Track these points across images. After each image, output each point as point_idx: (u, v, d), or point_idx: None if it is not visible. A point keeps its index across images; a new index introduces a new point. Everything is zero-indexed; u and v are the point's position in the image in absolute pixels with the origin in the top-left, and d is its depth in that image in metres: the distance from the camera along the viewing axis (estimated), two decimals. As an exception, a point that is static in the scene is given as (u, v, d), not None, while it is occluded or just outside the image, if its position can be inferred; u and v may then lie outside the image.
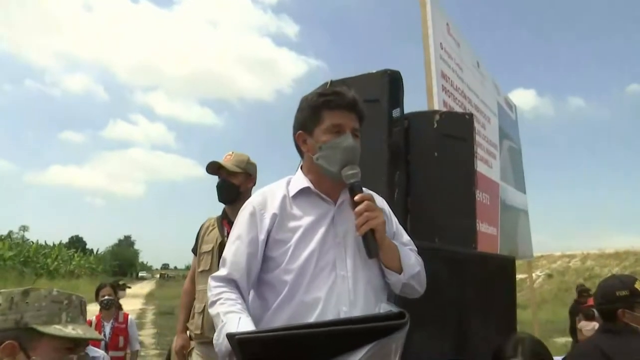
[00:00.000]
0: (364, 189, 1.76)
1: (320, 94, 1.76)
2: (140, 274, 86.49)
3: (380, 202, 1.85)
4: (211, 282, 1.70)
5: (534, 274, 24.17)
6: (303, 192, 1.73)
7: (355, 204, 1.64)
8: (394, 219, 1.87)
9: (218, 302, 1.61)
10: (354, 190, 1.67)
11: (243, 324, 1.49)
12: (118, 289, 8.28)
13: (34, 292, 1.48)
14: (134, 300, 28.81)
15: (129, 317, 5.19)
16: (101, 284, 5.34)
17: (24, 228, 58.90)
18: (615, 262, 25.36)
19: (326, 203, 1.73)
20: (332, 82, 2.33)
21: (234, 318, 1.52)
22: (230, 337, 0.85)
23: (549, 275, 26.02)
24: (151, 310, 21.49)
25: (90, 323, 4.80)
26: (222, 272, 1.70)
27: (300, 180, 1.77)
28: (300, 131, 1.78)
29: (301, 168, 1.83)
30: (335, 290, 1.60)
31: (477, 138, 5.48)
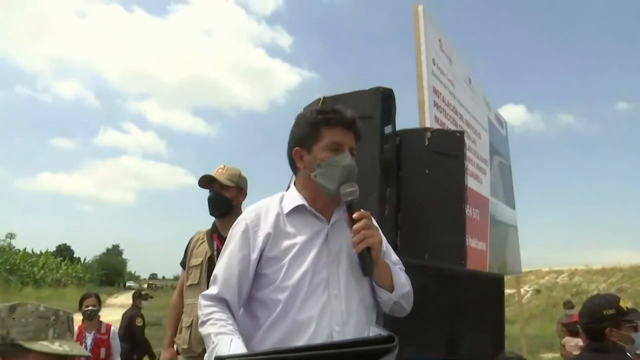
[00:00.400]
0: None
1: (320, 111, 1.76)
2: (127, 284, 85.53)
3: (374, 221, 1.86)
4: (202, 301, 1.68)
5: (522, 289, 24.25)
6: (297, 210, 1.72)
7: (353, 222, 1.65)
8: (383, 238, 1.86)
9: (209, 322, 1.59)
10: (352, 208, 1.67)
11: (235, 346, 1.47)
12: (141, 299, 8.40)
13: (20, 308, 1.47)
14: (121, 310, 28.47)
15: (112, 328, 5.06)
16: (86, 294, 5.23)
17: (11, 235, 58.19)
18: (602, 278, 25.50)
19: (320, 221, 1.72)
20: (324, 98, 2.35)
21: (225, 340, 1.51)
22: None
23: (537, 291, 26.11)
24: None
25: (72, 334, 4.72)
26: (213, 290, 1.68)
27: (294, 198, 1.75)
28: (297, 147, 1.77)
29: (294, 184, 1.82)
30: (328, 309, 1.59)
31: (468, 154, 5.51)
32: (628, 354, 2.37)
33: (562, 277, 27.61)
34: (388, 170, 2.34)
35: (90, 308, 4.84)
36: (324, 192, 1.71)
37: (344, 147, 1.72)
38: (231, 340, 1.50)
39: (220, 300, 1.65)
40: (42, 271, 39.59)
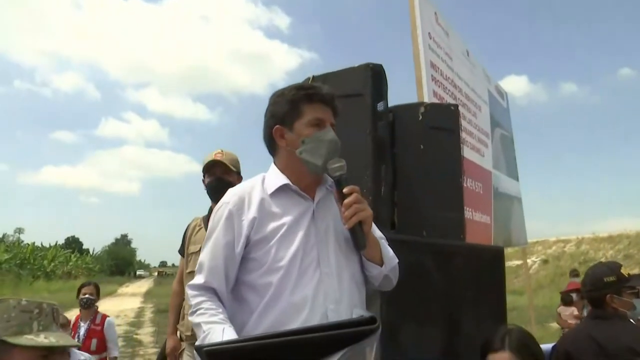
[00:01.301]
0: None
1: (299, 87, 1.74)
2: (138, 273, 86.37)
3: None
4: (189, 291, 1.66)
5: (529, 260, 24.30)
6: (281, 190, 1.69)
7: (343, 197, 1.63)
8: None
9: (198, 312, 1.58)
10: (341, 183, 1.65)
11: (227, 334, 1.46)
12: None
13: (2, 304, 1.47)
14: (132, 298, 28.83)
15: (108, 319, 4.90)
16: (85, 282, 5.16)
17: (19, 230, 58.83)
18: (609, 245, 25.50)
19: (305, 200, 1.70)
20: (313, 77, 2.31)
21: (217, 329, 1.49)
22: (198, 349, 0.83)
23: (545, 261, 26.15)
24: (149, 308, 21.50)
25: (69, 323, 4.62)
26: (199, 279, 1.65)
27: (277, 177, 1.72)
28: (277, 125, 1.73)
29: (275, 164, 1.78)
30: (322, 288, 1.58)
31: (469, 127, 5.48)
32: (631, 320, 2.38)
33: (570, 246, 27.64)
34: (382, 147, 2.31)
35: (87, 296, 4.75)
36: (309, 169, 1.69)
37: (325, 122, 1.70)
38: (223, 329, 1.48)
39: (207, 289, 1.62)
40: (52, 264, 39.95)
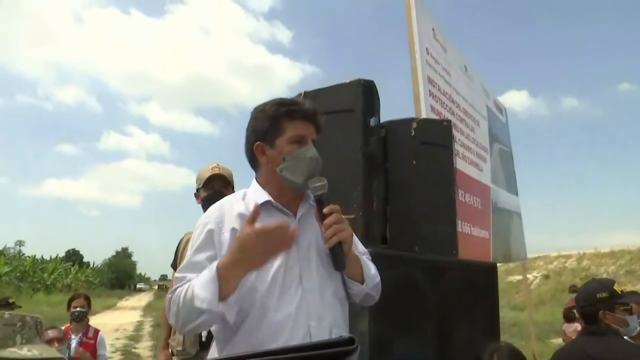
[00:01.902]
0: None
1: (280, 103, 1.72)
2: (138, 286, 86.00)
3: None
4: (168, 295, 1.60)
5: (531, 275, 24.19)
6: (263, 206, 1.65)
7: (323, 216, 1.62)
8: (356, 240, 1.84)
9: (177, 291, 1.54)
10: (322, 202, 1.64)
11: (205, 274, 1.48)
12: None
13: None
14: (132, 312, 28.67)
15: (100, 333, 4.77)
16: (74, 294, 5.05)
17: (20, 243, 58.76)
18: (610, 260, 25.36)
19: (287, 216, 1.68)
20: (305, 92, 2.33)
21: (194, 281, 1.50)
22: None
23: (546, 276, 26.01)
24: (149, 322, 21.39)
25: (66, 337, 4.56)
26: (181, 274, 1.60)
27: (258, 193, 1.70)
28: (258, 142, 1.72)
29: (256, 180, 1.77)
30: (304, 305, 1.57)
31: (467, 142, 5.50)
32: (624, 336, 2.37)
33: (571, 261, 27.50)
34: (373, 162, 2.32)
35: (78, 309, 4.62)
36: (290, 186, 1.68)
37: (307, 139, 1.69)
38: (200, 276, 1.49)
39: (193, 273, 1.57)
40: (53, 277, 39.82)
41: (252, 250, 1.45)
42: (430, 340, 2.14)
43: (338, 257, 1.61)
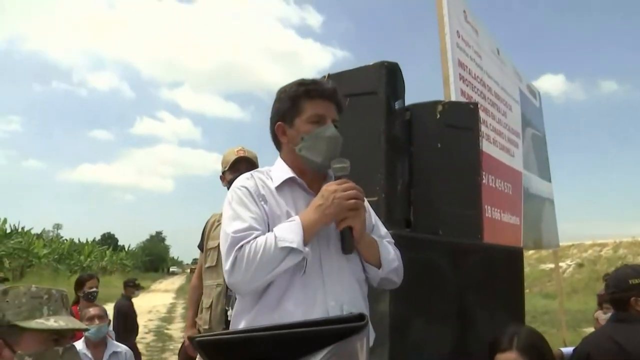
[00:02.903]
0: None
1: (300, 83, 1.71)
2: (171, 269, 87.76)
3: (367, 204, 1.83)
4: (229, 239, 1.55)
5: (564, 264, 23.75)
6: (287, 183, 1.68)
7: None
8: (372, 211, 1.84)
9: (248, 245, 1.52)
10: None
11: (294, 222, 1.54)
12: (134, 288, 8.10)
13: (12, 291, 1.53)
14: (165, 295, 29.33)
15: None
16: (86, 275, 5.17)
17: (58, 226, 60.51)
18: (648, 249, 24.73)
19: (309, 195, 1.68)
20: (329, 75, 2.32)
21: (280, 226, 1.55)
22: (190, 339, 0.86)
23: (580, 265, 25.48)
24: (181, 304, 21.85)
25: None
26: (240, 224, 1.57)
27: (282, 171, 1.71)
28: (279, 122, 1.73)
29: (281, 158, 1.77)
30: (323, 286, 1.57)
31: (498, 127, 5.41)
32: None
33: (606, 249, 26.87)
34: (396, 145, 2.29)
35: (94, 289, 4.81)
36: (309, 166, 1.68)
37: (326, 118, 1.67)
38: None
39: (254, 230, 1.56)
40: (89, 259, 40.95)
41: (332, 205, 1.54)
42: (451, 322, 2.14)
43: (345, 240, 1.59)
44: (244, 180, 1.71)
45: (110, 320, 4.49)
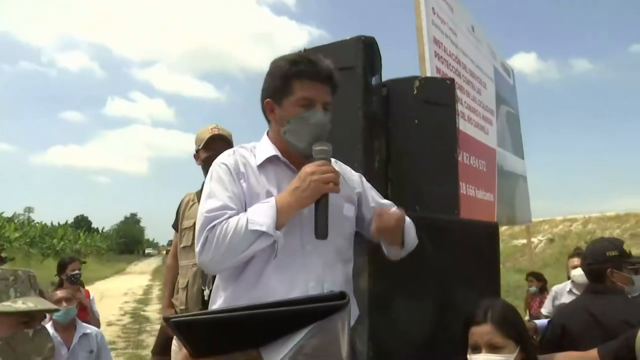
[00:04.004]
0: (339, 163, 1.75)
1: (293, 61, 1.64)
2: (146, 251, 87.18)
3: (357, 177, 1.82)
4: (202, 218, 1.55)
5: (536, 239, 24.24)
6: (270, 161, 1.66)
7: None
8: (372, 193, 1.82)
9: (220, 225, 1.50)
10: None
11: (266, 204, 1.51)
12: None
13: None
14: (141, 276, 29.14)
15: (90, 293, 5.07)
16: (68, 258, 5.19)
17: (29, 209, 59.36)
18: (616, 224, 25.35)
19: (293, 173, 1.63)
20: (305, 50, 2.27)
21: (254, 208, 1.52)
22: (166, 319, 0.84)
23: (551, 240, 26.06)
24: (157, 286, 21.73)
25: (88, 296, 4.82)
26: (214, 203, 1.56)
27: (267, 148, 1.68)
28: (268, 99, 1.68)
29: (267, 134, 1.74)
30: (304, 264, 1.56)
31: (473, 104, 5.43)
32: (628, 295, 2.37)
33: (576, 225, 27.51)
34: (374, 121, 2.28)
35: (76, 272, 4.80)
36: (293, 149, 1.65)
37: (315, 102, 1.61)
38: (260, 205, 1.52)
39: (228, 208, 1.55)
40: (62, 243, 40.34)
41: (308, 187, 1.50)
42: (430, 298, 2.15)
43: (319, 225, 1.53)
44: (225, 157, 1.68)
45: (79, 301, 4.44)
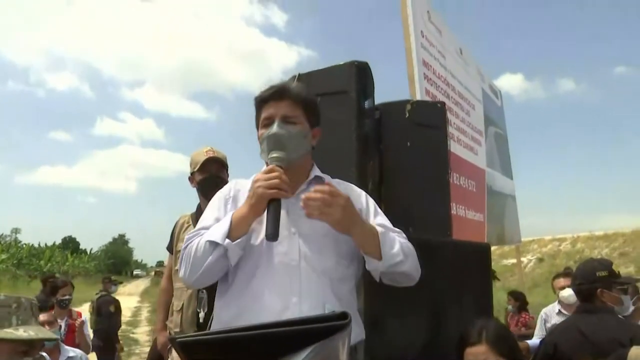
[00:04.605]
0: (343, 182, 1.83)
1: (261, 91, 1.79)
2: (135, 272, 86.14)
3: (358, 194, 1.84)
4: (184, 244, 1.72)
5: (525, 258, 24.31)
6: None
7: None
8: (374, 212, 1.82)
9: (191, 242, 1.67)
10: None
11: (223, 223, 1.62)
12: (111, 283, 8.38)
13: None
14: (129, 298, 28.77)
15: (83, 315, 5.13)
16: (61, 281, 5.22)
17: (16, 230, 58.55)
18: (604, 243, 25.55)
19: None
20: (299, 75, 2.32)
21: (212, 228, 1.65)
22: (172, 340, 0.86)
23: (540, 259, 26.18)
24: (146, 307, 21.51)
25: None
26: (197, 228, 1.75)
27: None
28: (257, 130, 1.82)
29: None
30: (286, 280, 1.60)
31: (462, 125, 5.50)
32: (619, 315, 2.41)
33: (565, 244, 27.68)
34: (367, 144, 2.32)
35: (67, 297, 4.87)
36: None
37: (273, 118, 1.72)
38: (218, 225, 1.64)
39: (205, 230, 1.70)
40: (49, 264, 39.87)
41: (254, 195, 1.60)
42: (424, 318, 2.17)
43: (268, 225, 1.58)
44: (228, 187, 1.86)
45: (60, 326, 4.45)
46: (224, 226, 1.62)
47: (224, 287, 1.72)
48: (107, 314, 7.19)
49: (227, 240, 1.59)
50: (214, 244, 1.60)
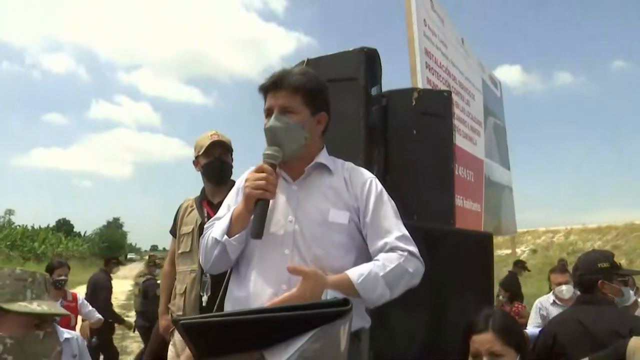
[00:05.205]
0: (350, 167, 1.79)
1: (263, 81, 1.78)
2: (129, 256, 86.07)
3: (362, 185, 1.75)
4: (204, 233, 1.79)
5: (519, 250, 24.46)
6: None
7: None
8: (373, 206, 1.72)
9: (206, 234, 1.76)
10: None
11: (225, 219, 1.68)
12: (118, 264, 8.52)
13: None
14: (123, 281, 28.74)
15: (79, 296, 5.18)
16: (57, 262, 5.20)
17: (10, 212, 58.30)
18: (597, 236, 25.70)
19: (287, 183, 1.75)
20: (308, 60, 2.31)
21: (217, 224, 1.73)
22: (175, 322, 0.86)
23: (534, 251, 26.35)
24: (140, 291, 21.51)
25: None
26: (210, 222, 1.81)
27: None
28: None
29: None
30: (277, 267, 1.61)
31: (462, 115, 5.50)
32: (618, 306, 2.43)
33: (558, 236, 27.83)
34: (374, 132, 2.33)
35: (62, 277, 4.83)
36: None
37: (272, 110, 1.71)
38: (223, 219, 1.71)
39: (218, 219, 1.78)
40: (43, 246, 39.79)
41: (245, 194, 1.65)
42: (427, 308, 2.19)
43: (253, 223, 1.62)
44: (243, 176, 1.83)
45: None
46: (224, 223, 1.69)
47: (234, 272, 1.77)
48: (154, 297, 7.24)
49: (225, 237, 1.67)
50: (217, 241, 1.68)
